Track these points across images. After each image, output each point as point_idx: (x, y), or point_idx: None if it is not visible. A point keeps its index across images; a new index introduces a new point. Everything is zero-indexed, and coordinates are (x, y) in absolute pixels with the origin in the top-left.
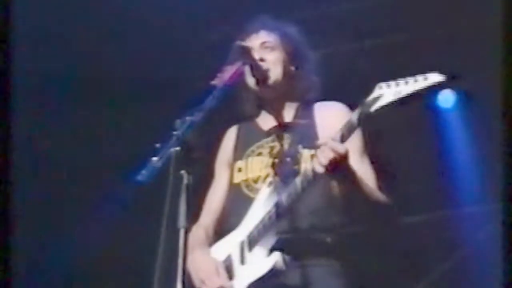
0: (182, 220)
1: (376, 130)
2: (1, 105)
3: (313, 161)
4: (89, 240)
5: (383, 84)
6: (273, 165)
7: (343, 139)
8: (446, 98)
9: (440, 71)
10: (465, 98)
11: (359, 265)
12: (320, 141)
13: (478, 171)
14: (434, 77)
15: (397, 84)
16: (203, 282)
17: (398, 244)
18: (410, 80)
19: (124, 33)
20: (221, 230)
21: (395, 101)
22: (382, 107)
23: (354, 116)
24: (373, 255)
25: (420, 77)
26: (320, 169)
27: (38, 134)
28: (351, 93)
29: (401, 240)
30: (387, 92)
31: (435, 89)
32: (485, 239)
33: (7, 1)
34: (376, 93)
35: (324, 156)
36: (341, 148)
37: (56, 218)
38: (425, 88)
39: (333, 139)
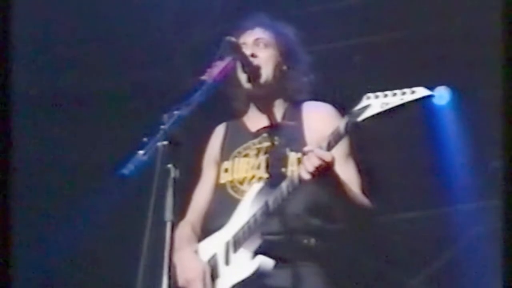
0: (168, 214)
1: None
2: None
3: (299, 168)
4: (75, 234)
5: (371, 95)
6: (266, 166)
7: (329, 147)
8: (441, 95)
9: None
10: (460, 95)
11: (345, 266)
12: (307, 148)
13: (472, 169)
14: (421, 91)
15: (385, 95)
16: (188, 282)
17: (389, 242)
18: (398, 92)
19: (112, 30)
20: (207, 228)
21: (381, 112)
22: (369, 117)
23: (341, 124)
24: (361, 255)
25: (407, 90)
26: (306, 176)
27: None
28: (343, 94)
29: (392, 237)
30: (375, 103)
31: (421, 102)
32: (479, 236)
33: (7, 2)
34: (363, 103)
35: (311, 164)
36: (327, 156)
37: (44, 213)
38: (412, 101)
39: (319, 147)
